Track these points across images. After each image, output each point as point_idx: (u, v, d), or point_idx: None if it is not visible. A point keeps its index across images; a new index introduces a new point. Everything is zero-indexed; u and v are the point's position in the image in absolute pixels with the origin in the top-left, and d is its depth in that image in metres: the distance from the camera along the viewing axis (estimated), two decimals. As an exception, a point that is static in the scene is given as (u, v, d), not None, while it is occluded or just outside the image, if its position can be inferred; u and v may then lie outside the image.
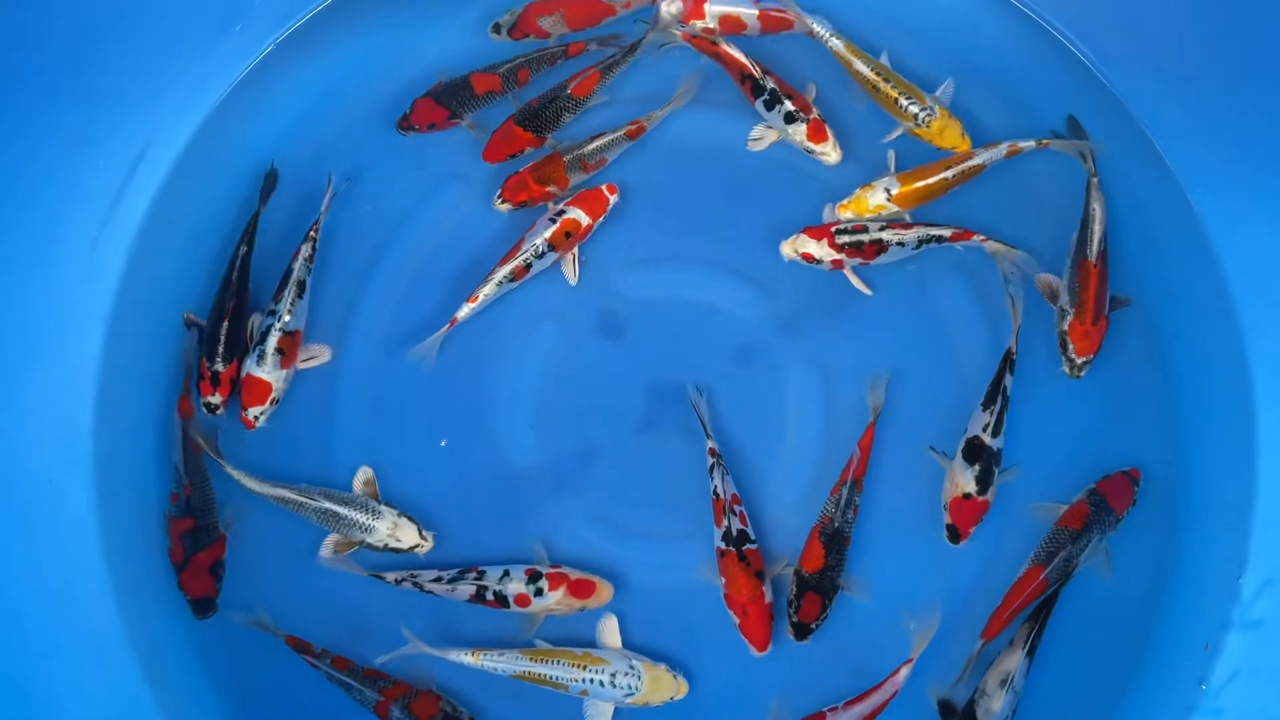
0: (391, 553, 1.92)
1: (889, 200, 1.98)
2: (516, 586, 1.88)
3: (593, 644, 1.92)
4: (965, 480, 1.90)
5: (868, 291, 2.01)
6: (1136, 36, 2.00)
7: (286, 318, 1.93)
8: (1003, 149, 2.00)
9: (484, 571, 1.90)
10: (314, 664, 1.90)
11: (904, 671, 1.87)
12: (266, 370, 1.92)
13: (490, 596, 1.89)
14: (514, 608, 1.89)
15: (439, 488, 1.98)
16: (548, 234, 1.98)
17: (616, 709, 1.89)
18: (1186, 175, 2.00)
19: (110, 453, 1.95)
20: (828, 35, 2.04)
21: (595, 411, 2.01)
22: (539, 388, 2.02)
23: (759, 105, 2.03)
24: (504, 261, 1.98)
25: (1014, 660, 1.85)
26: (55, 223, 1.91)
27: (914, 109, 2.00)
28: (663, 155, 2.06)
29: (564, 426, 2.01)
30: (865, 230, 1.97)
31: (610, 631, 1.93)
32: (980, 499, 1.89)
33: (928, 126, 2.00)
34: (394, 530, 1.90)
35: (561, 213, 1.99)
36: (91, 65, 1.89)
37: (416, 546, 1.91)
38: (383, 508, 1.92)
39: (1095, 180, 1.95)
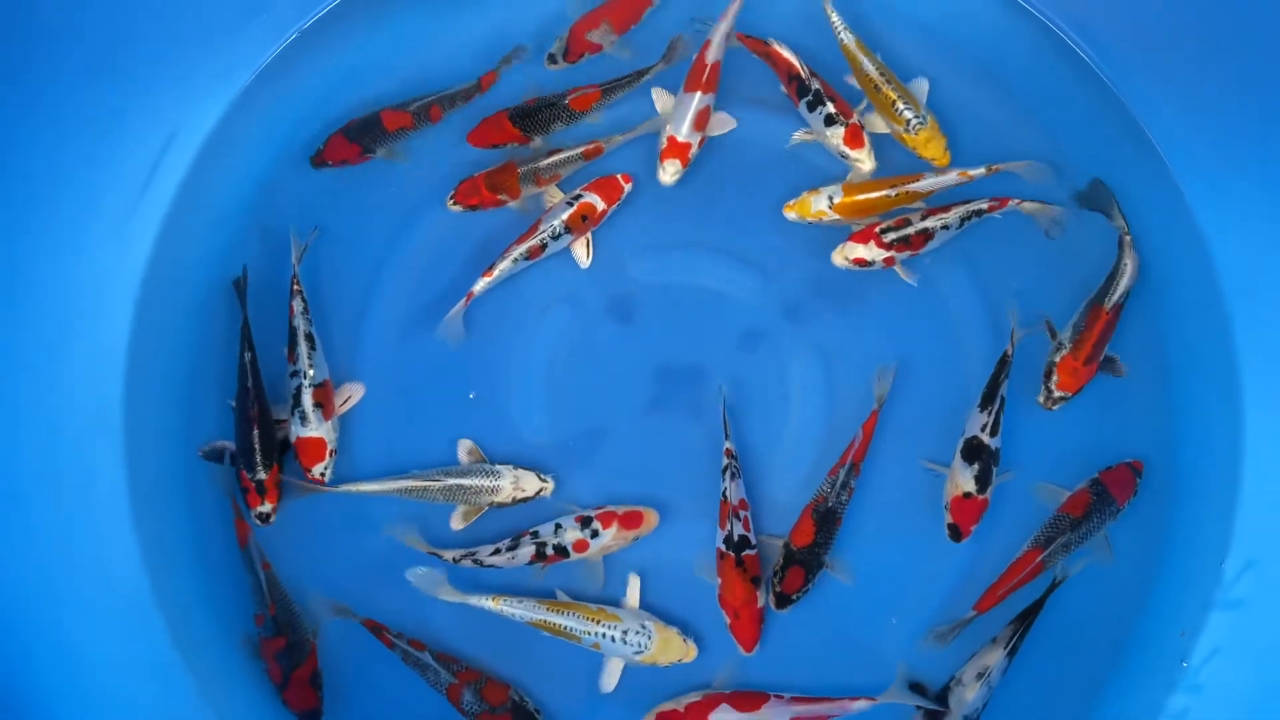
0: (519, 505, 1.96)
1: (831, 208, 2.00)
2: (573, 535, 1.93)
3: (614, 604, 1.97)
4: (965, 479, 1.93)
5: (913, 283, 2.03)
6: (1136, 35, 2.03)
7: (311, 372, 1.94)
8: (952, 176, 2.01)
9: (537, 531, 1.94)
10: (391, 645, 1.93)
11: (859, 704, 1.91)
12: (313, 428, 1.93)
13: (551, 551, 1.93)
14: (575, 555, 1.93)
15: (450, 463, 2.01)
16: (565, 216, 2.01)
17: (631, 668, 1.94)
18: (1182, 172, 2.03)
19: (138, 424, 1.99)
20: (841, 28, 2.06)
21: (606, 392, 2.05)
22: (551, 369, 2.06)
23: (802, 106, 2.04)
24: (521, 240, 2.01)
25: (994, 657, 1.89)
26: (89, 205, 1.96)
27: (908, 114, 2.01)
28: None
29: (575, 406, 2.04)
30: (909, 224, 1.99)
31: (632, 589, 1.98)
32: (980, 498, 1.92)
33: (915, 134, 2.01)
34: (517, 483, 1.95)
35: (578, 197, 2.02)
36: (123, 52, 1.93)
37: (541, 490, 1.96)
38: (498, 467, 1.97)
39: (1128, 239, 1.96)
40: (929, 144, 2.02)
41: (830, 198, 2.00)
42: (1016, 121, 2.09)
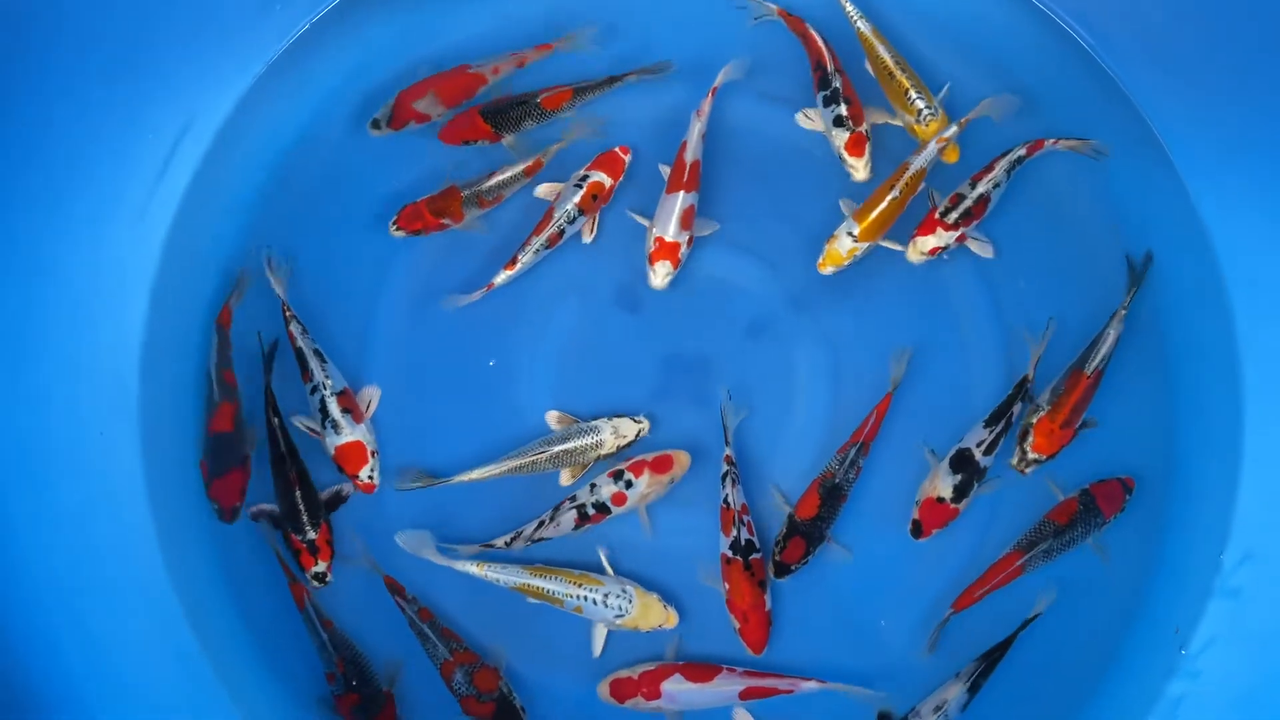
0: (621, 452, 1.98)
1: (856, 241, 1.99)
2: (608, 490, 1.95)
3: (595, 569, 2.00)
4: (944, 485, 1.94)
5: (990, 253, 2.04)
6: (1140, 28, 2.05)
7: (329, 382, 1.96)
8: (933, 148, 2.00)
9: (575, 495, 1.97)
10: (401, 607, 1.95)
11: (809, 684, 1.93)
12: (347, 434, 1.95)
13: (592, 511, 1.95)
14: (616, 509, 1.95)
15: (463, 452, 2.02)
16: (576, 199, 2.03)
17: (613, 633, 1.97)
18: (1186, 166, 2.05)
19: (154, 407, 2.01)
20: (856, 16, 2.07)
21: (612, 381, 2.06)
22: (560, 357, 2.07)
23: (819, 98, 2.06)
24: (539, 230, 2.03)
25: (954, 691, 1.90)
26: (107, 193, 1.98)
27: (920, 104, 2.02)
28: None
29: (582, 394, 2.06)
30: (963, 197, 1.98)
31: (602, 561, 2.00)
32: (952, 506, 1.94)
33: (926, 125, 2.02)
34: (616, 432, 1.97)
35: (585, 177, 2.04)
36: (141, 43, 1.96)
37: (639, 432, 1.98)
38: (595, 423, 1.99)
39: (1123, 313, 1.97)
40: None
41: (850, 234, 1.99)
42: (1019, 113, 2.08)
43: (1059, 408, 1.94)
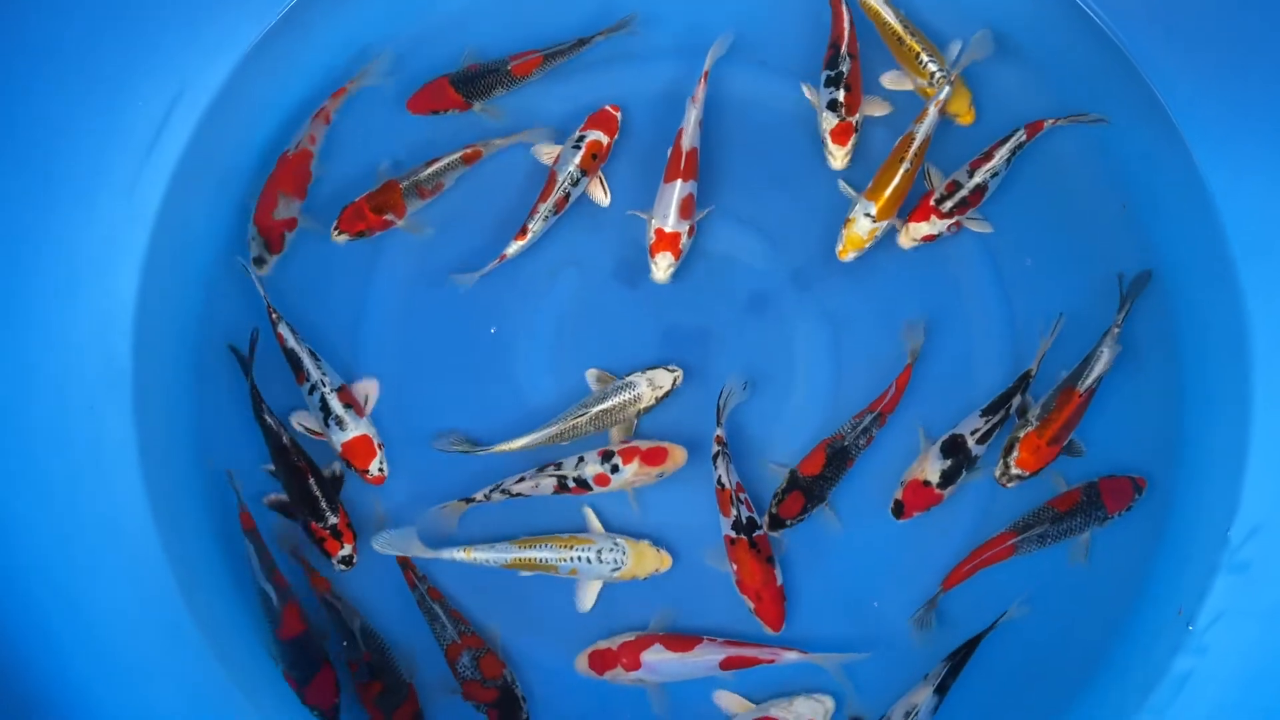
0: (661, 403, 1.98)
1: (875, 221, 1.96)
2: (594, 469, 1.94)
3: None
4: (932, 470, 1.93)
5: (988, 228, 2.03)
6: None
7: (327, 379, 1.95)
8: (933, 113, 1.97)
9: (561, 463, 1.96)
10: (412, 584, 1.95)
11: (791, 655, 1.93)
12: (353, 428, 1.94)
13: (572, 484, 1.95)
14: (596, 489, 1.95)
15: (460, 427, 2.02)
16: (577, 160, 2.02)
17: (608, 586, 1.97)
18: (1193, 137, 2.03)
19: (146, 382, 2.01)
20: None
21: (612, 355, 2.05)
22: (558, 332, 2.07)
23: (823, 75, 2.05)
24: (544, 197, 2.02)
25: (923, 695, 1.88)
26: (96, 165, 1.97)
27: (932, 67, 2.01)
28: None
29: (581, 369, 2.04)
30: (960, 185, 1.97)
31: (589, 519, 2.00)
32: (937, 491, 1.93)
33: (939, 87, 1.99)
34: (652, 383, 1.96)
35: (582, 138, 2.03)
36: (130, 12, 1.94)
37: (675, 380, 1.98)
38: (630, 378, 1.97)
39: (1117, 331, 1.95)
40: (954, 98, 2.01)
41: (868, 214, 1.97)
42: (1026, 83, 2.08)
43: (1048, 424, 1.92)
